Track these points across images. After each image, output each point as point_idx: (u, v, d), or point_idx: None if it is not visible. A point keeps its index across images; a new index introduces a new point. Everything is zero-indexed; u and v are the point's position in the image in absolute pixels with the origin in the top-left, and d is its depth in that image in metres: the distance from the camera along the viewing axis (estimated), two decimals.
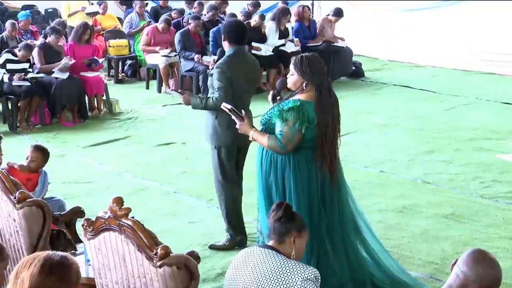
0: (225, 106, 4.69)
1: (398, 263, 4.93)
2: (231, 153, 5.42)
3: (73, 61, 9.58)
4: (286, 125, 4.27)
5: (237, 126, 4.65)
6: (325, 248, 4.49)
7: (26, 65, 9.31)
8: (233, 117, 4.66)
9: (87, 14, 12.79)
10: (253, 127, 4.58)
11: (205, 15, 12.55)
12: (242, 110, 4.72)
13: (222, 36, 5.43)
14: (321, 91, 4.34)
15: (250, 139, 4.62)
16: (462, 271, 2.84)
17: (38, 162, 5.42)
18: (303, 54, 4.49)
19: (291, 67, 4.47)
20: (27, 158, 5.41)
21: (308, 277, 3.25)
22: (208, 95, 5.31)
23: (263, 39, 11.58)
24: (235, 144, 5.38)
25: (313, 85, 4.36)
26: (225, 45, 5.43)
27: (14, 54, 9.27)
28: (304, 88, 4.38)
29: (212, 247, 5.51)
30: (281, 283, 3.23)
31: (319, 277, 3.32)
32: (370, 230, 4.86)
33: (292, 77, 4.46)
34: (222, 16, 12.66)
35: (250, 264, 3.36)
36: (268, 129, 4.47)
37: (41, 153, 5.46)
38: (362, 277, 4.63)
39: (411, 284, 4.74)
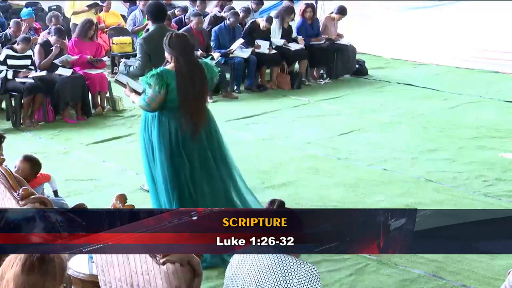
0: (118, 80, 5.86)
1: None
2: None
3: (75, 57, 9.58)
4: (150, 88, 5.18)
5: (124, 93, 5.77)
6: (188, 191, 5.36)
7: (27, 61, 9.30)
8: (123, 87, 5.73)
9: (88, 6, 12.72)
10: (134, 91, 5.52)
11: (219, 11, 12.54)
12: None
13: (146, 17, 6.58)
14: (178, 62, 5.18)
15: (131, 101, 5.68)
16: (507, 286, 2.74)
17: (25, 173, 5.26)
18: (171, 33, 5.36)
19: None
20: (14, 167, 5.29)
21: (307, 274, 3.26)
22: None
23: (268, 39, 11.57)
24: None
25: (173, 57, 5.21)
26: (149, 24, 6.59)
27: (15, 50, 9.26)
28: (170, 60, 5.25)
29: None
30: (279, 280, 3.24)
31: (319, 274, 3.33)
32: (244, 183, 5.75)
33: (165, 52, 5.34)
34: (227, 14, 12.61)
35: (249, 260, 3.36)
36: None
37: (29, 164, 5.39)
38: None
39: None
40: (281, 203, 3.53)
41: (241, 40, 11.06)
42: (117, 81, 5.96)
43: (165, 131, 5.31)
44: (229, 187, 5.64)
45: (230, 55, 11.06)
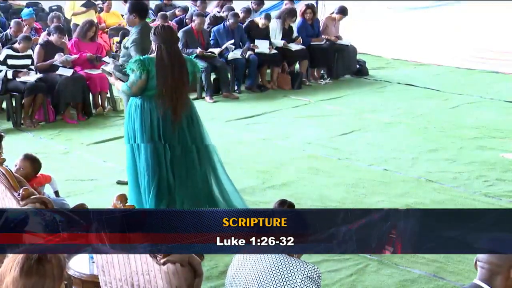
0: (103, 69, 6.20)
1: (245, 203, 5.95)
2: None
3: (75, 56, 9.57)
4: (132, 73, 5.45)
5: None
6: (167, 179, 5.58)
7: (28, 61, 9.30)
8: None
9: (83, 6, 12.70)
10: (119, 79, 5.76)
11: (218, 12, 12.54)
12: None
13: (132, 15, 6.73)
14: (160, 49, 5.40)
15: (116, 89, 5.91)
16: (485, 262, 2.78)
17: (26, 171, 5.31)
18: (159, 24, 5.66)
19: None
20: (15, 166, 5.31)
21: (309, 275, 3.26)
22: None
23: (267, 38, 11.57)
24: None
25: (156, 44, 5.45)
26: (135, 21, 6.73)
27: (15, 50, 9.25)
28: (154, 49, 5.49)
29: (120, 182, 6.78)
30: (281, 280, 3.23)
31: (321, 275, 3.33)
32: (225, 172, 5.91)
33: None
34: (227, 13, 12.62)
35: (250, 260, 3.36)
36: None
37: (29, 162, 5.40)
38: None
39: None
40: (291, 205, 3.53)
41: (231, 41, 11.06)
42: (103, 70, 6.33)
43: (147, 119, 5.53)
44: (209, 176, 5.84)
45: (229, 57, 11.08)
